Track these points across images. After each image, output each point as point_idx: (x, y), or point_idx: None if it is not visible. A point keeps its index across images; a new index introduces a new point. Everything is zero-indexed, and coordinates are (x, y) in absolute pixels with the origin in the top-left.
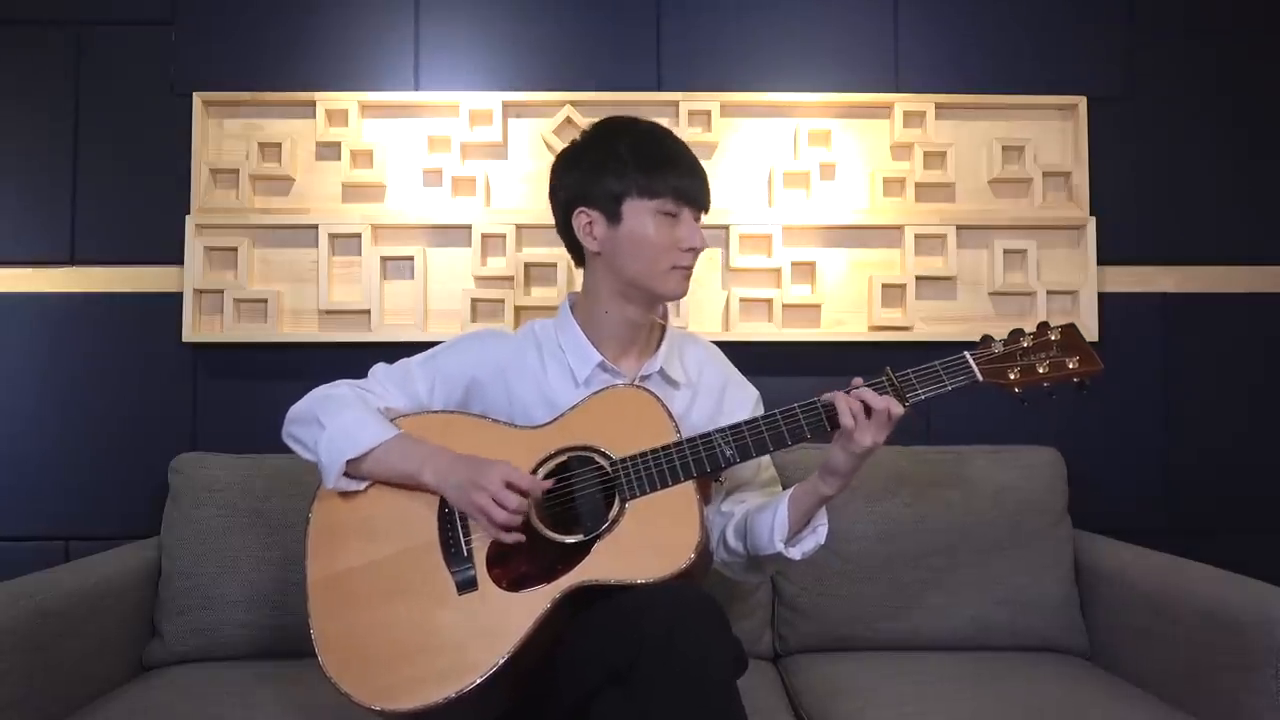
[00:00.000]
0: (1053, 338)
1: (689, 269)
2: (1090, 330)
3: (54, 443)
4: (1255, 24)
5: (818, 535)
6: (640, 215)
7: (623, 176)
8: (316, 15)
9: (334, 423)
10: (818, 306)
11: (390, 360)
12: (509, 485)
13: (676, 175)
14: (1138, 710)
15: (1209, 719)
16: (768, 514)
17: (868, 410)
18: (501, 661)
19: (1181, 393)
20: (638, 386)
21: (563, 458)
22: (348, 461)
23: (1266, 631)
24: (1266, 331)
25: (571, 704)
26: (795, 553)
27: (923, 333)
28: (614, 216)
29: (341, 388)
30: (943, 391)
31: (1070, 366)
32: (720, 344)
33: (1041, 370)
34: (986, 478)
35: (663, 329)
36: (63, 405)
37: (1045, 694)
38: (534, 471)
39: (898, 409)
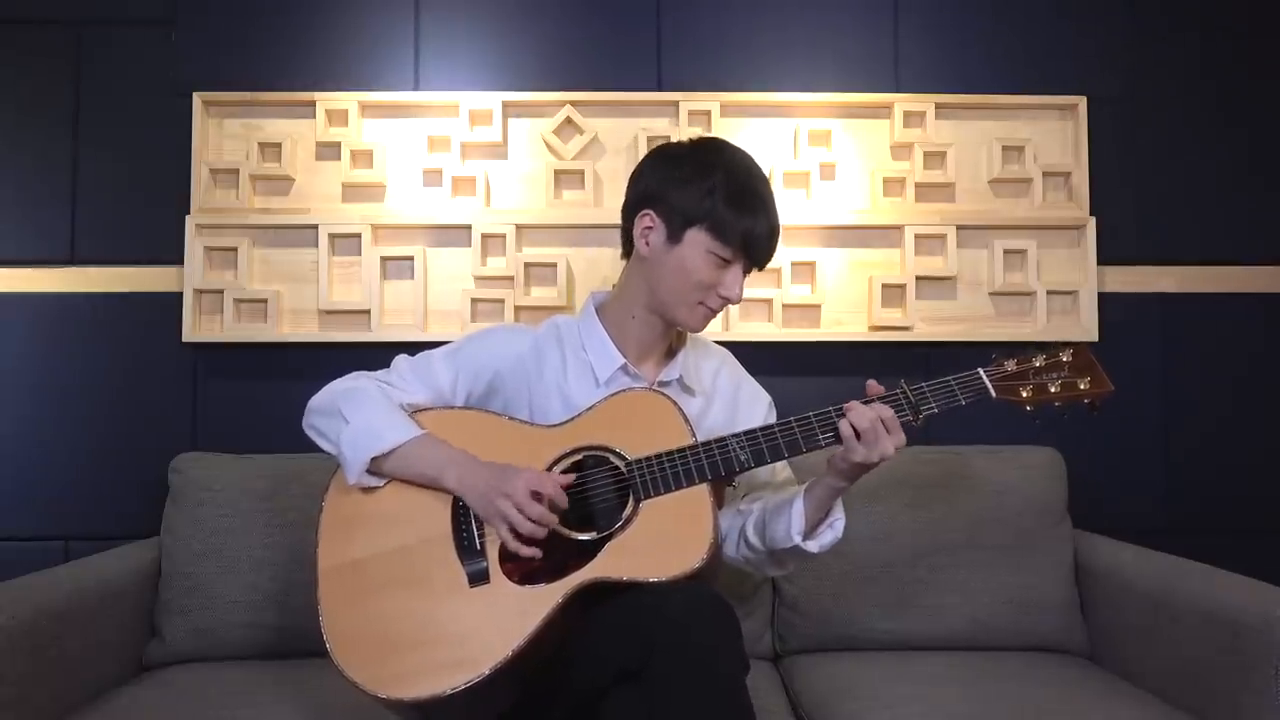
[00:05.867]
0: (1065, 358)
1: (715, 312)
2: (1090, 330)
3: (54, 442)
4: (1255, 24)
5: (835, 529)
6: (698, 248)
7: (703, 203)
8: (316, 15)
9: (358, 418)
10: (818, 306)
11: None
12: (534, 493)
13: (753, 226)
14: (1138, 710)
15: (1209, 719)
16: (784, 509)
17: (883, 424)
18: (510, 655)
19: (1181, 393)
20: (654, 390)
21: (578, 456)
22: (372, 459)
23: (1266, 631)
24: (1266, 331)
25: (580, 699)
26: (813, 546)
27: (923, 333)
28: (675, 236)
29: (364, 381)
30: (956, 406)
31: (1081, 387)
32: (720, 344)
33: (1053, 390)
34: (986, 478)
35: (681, 335)
36: (63, 405)
37: (1045, 694)
38: (550, 468)
39: (910, 421)
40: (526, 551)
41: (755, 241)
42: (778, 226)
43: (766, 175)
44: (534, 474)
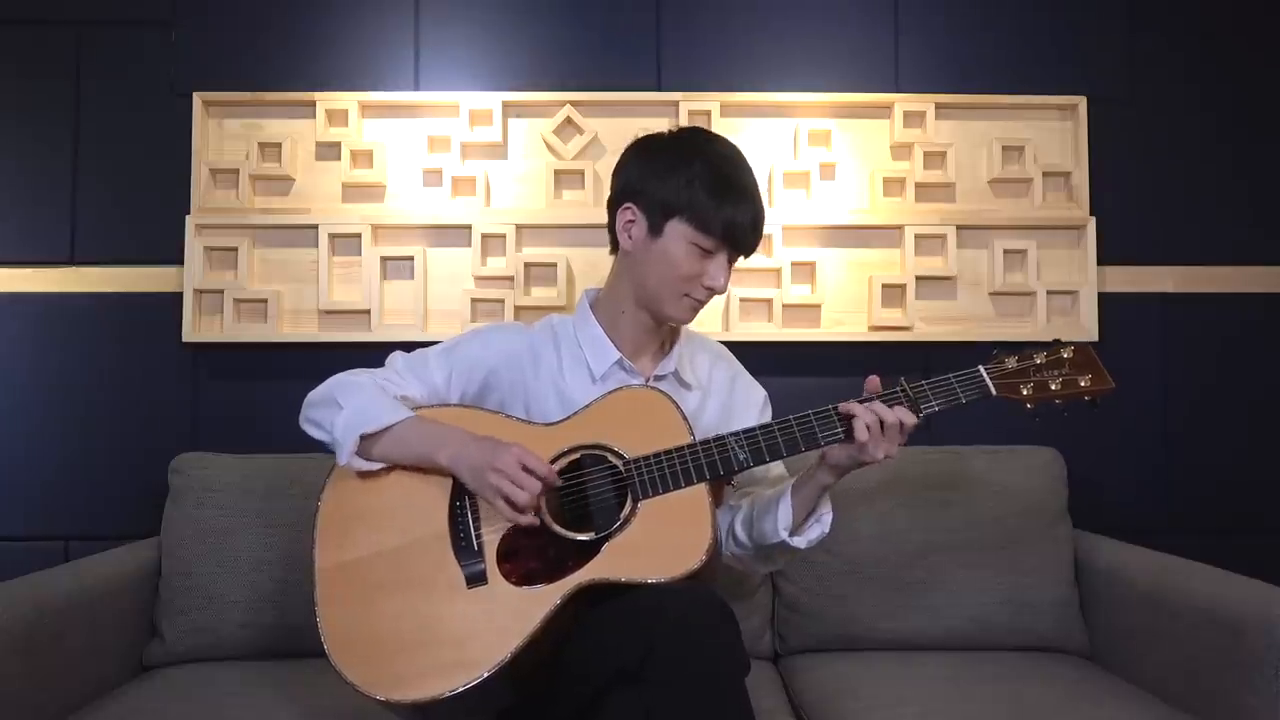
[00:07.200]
0: (1066, 355)
1: (701, 303)
2: (1090, 330)
3: (54, 443)
4: (1255, 25)
5: (822, 524)
6: (679, 240)
7: (682, 194)
8: (316, 15)
9: (351, 404)
10: (818, 306)
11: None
12: (525, 468)
13: (734, 215)
14: (1138, 710)
15: (1209, 719)
16: (771, 505)
17: (882, 424)
18: (508, 657)
19: (1181, 393)
20: (652, 387)
21: (576, 455)
22: (363, 438)
23: (1266, 631)
24: (1266, 331)
25: (578, 701)
26: (800, 541)
27: (923, 333)
28: (656, 228)
29: (361, 375)
30: (957, 404)
31: (1082, 385)
32: (721, 344)
33: (1054, 387)
34: (986, 478)
35: (675, 330)
36: (63, 405)
37: (1045, 694)
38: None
39: (911, 420)
40: (525, 520)
41: (738, 230)
42: (762, 213)
43: (753, 167)
44: (522, 448)
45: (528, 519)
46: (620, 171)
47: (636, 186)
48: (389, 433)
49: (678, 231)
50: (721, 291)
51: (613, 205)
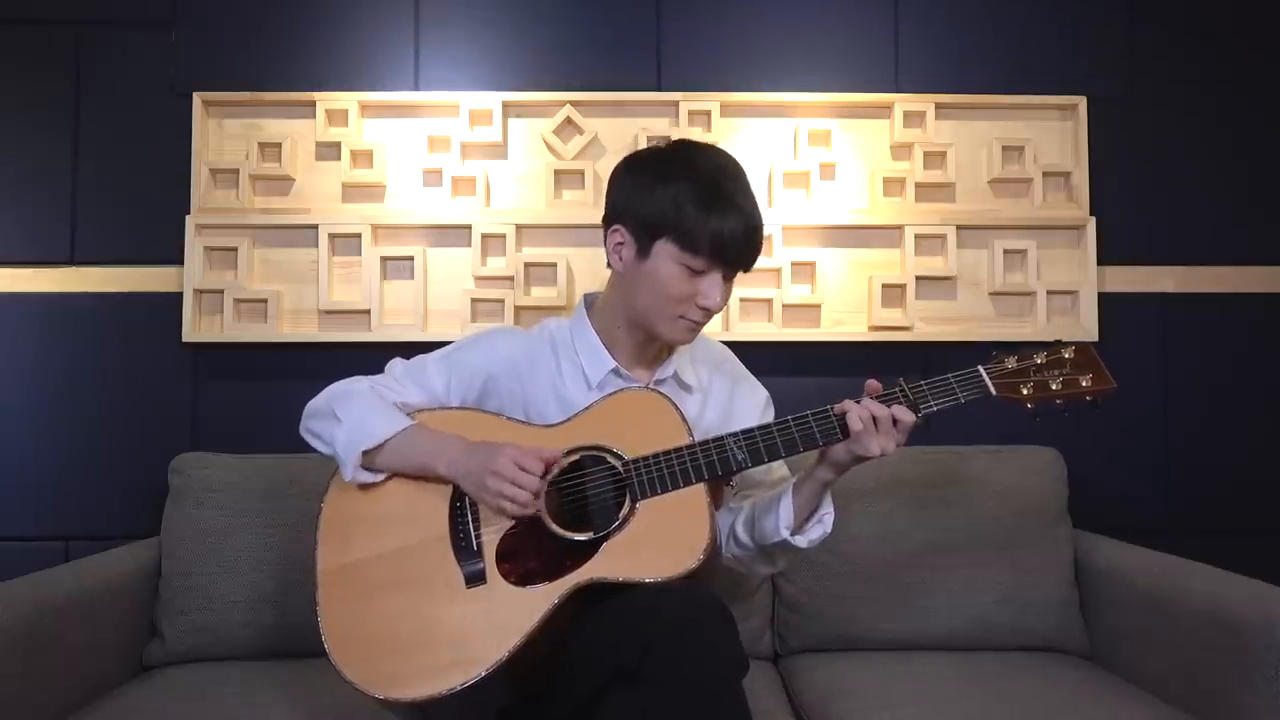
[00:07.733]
0: (1067, 355)
1: (699, 323)
2: (1090, 330)
3: (54, 443)
4: (1255, 24)
5: (824, 524)
6: (668, 261)
7: (667, 214)
8: (316, 15)
9: (350, 416)
10: (818, 306)
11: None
12: (521, 467)
13: (721, 227)
14: (1138, 710)
15: (1209, 719)
16: (773, 504)
17: (876, 419)
18: (506, 656)
19: (1181, 393)
20: (651, 389)
21: (575, 456)
22: (364, 453)
23: (1266, 631)
24: (1266, 331)
25: (576, 700)
26: (802, 541)
27: (923, 333)
28: (643, 251)
29: (359, 383)
30: (955, 404)
31: (1083, 385)
32: (720, 344)
33: (1055, 387)
34: (986, 478)
35: None
36: (63, 405)
37: (1045, 694)
38: (544, 473)
39: (909, 417)
40: (528, 513)
41: (727, 244)
42: (756, 223)
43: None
44: (516, 447)
45: (529, 511)
46: (609, 191)
47: (623, 207)
48: (388, 445)
49: (665, 252)
50: (718, 310)
51: (604, 225)
